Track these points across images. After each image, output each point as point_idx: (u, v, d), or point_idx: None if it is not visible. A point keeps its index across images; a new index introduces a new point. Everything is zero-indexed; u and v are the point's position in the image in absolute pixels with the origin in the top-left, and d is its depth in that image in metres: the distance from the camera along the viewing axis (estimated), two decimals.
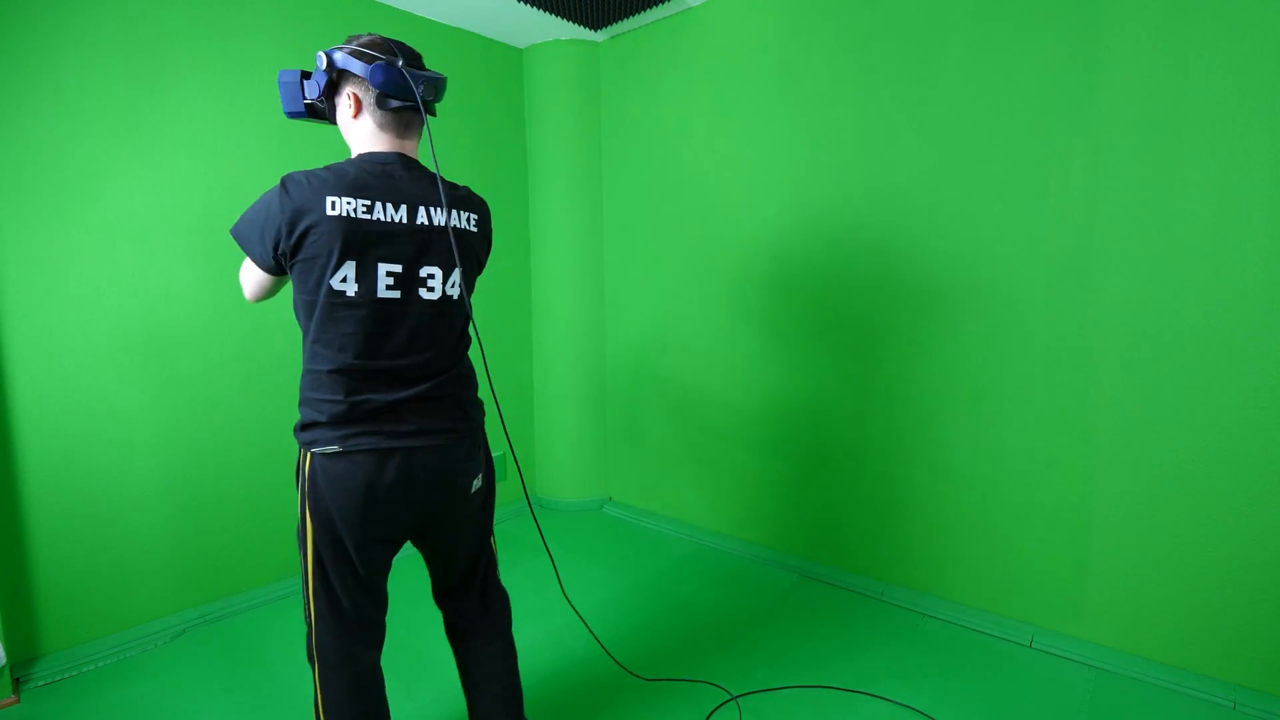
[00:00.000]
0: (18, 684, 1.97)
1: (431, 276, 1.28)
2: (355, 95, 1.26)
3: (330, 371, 1.21)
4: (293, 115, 1.34)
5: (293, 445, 2.57)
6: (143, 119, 2.16)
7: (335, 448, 1.21)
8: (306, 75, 1.31)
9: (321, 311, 1.20)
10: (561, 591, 2.19)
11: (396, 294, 1.24)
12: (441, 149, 2.98)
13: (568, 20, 2.97)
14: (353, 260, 1.19)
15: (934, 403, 2.35)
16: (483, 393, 1.47)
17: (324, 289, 1.19)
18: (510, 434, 3.40)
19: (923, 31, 2.26)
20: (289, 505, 2.57)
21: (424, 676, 2.02)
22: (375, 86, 1.22)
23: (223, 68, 2.32)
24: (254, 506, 2.49)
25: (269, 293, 1.34)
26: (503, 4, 2.76)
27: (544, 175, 3.32)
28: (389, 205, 1.22)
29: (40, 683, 2.00)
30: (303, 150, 2.53)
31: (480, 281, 3.18)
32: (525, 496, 2.02)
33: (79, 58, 2.03)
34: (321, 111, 1.33)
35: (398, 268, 1.24)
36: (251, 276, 1.29)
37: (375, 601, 1.34)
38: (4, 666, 1.88)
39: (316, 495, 1.23)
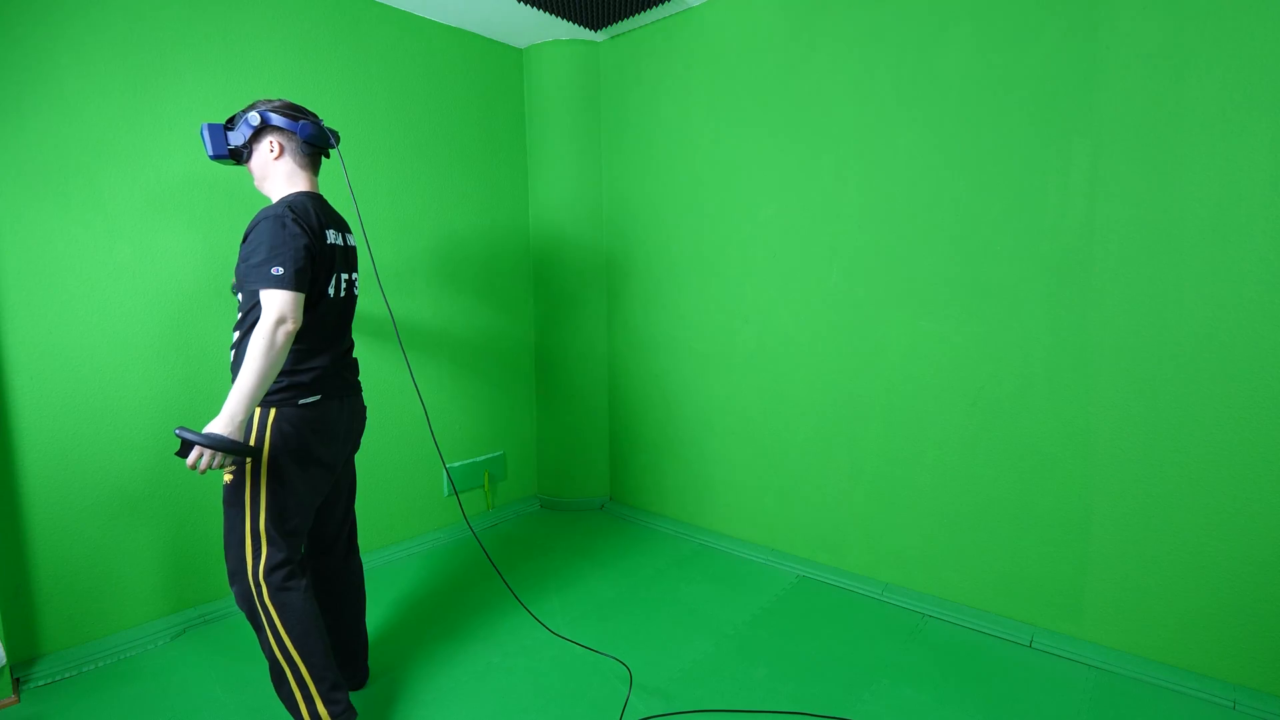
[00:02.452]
0: (18, 684, 1.97)
1: (356, 278, 1.83)
2: (279, 141, 1.69)
3: (313, 349, 1.67)
4: (217, 157, 1.72)
5: None
6: (143, 120, 2.16)
7: (317, 397, 1.67)
8: (230, 126, 1.70)
9: (317, 311, 1.66)
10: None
11: (343, 293, 1.75)
12: (442, 149, 2.99)
13: (568, 20, 2.97)
14: (334, 274, 1.70)
15: (933, 404, 2.35)
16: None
17: (324, 296, 1.67)
18: (512, 433, 3.41)
19: (923, 31, 2.26)
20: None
21: None
22: (303, 138, 1.69)
23: (223, 68, 2.32)
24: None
25: None
26: (503, 4, 2.76)
27: (544, 175, 3.32)
28: (340, 233, 1.74)
29: (40, 683, 2.00)
30: None
31: (480, 281, 3.20)
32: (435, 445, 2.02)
33: (79, 58, 2.03)
34: (239, 154, 1.72)
35: (346, 276, 1.76)
36: (299, 306, 1.55)
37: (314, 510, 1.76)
38: (4, 666, 1.88)
39: (289, 435, 1.62)
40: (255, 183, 1.76)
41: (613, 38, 3.19)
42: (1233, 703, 1.83)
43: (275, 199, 1.73)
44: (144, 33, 2.15)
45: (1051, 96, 2.03)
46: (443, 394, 3.07)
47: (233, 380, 1.67)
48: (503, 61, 3.21)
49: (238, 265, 1.65)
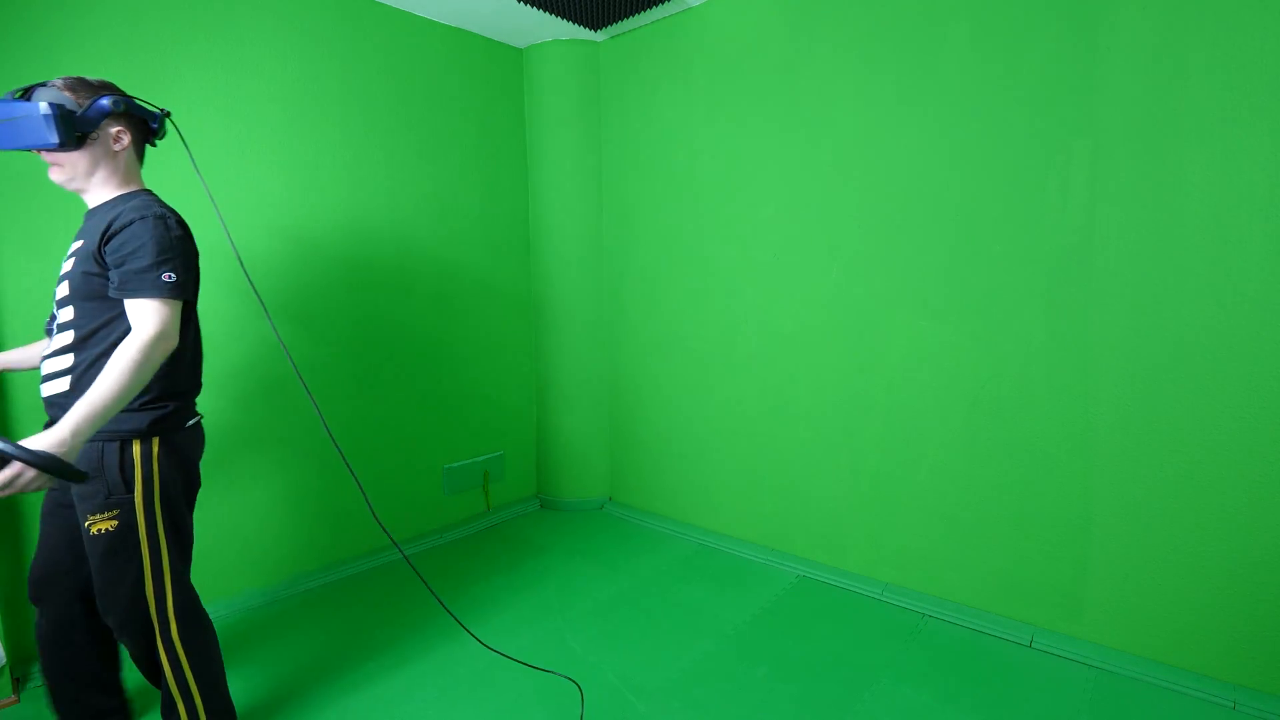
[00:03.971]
0: (18, 684, 1.97)
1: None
2: (127, 131, 1.47)
3: (196, 361, 1.56)
4: (59, 146, 1.34)
5: (290, 443, 2.56)
6: None
7: (199, 416, 1.57)
8: (65, 111, 1.34)
9: (195, 320, 1.54)
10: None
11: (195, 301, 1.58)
12: (442, 149, 2.99)
13: (568, 20, 2.97)
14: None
15: (933, 404, 2.35)
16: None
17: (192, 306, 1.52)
18: (512, 433, 3.41)
19: (923, 32, 2.26)
20: (285, 507, 2.58)
21: None
22: (154, 126, 1.52)
23: (222, 69, 2.32)
24: (247, 508, 2.49)
25: None
26: (503, 4, 2.76)
27: (544, 175, 3.32)
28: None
29: (40, 683, 1.99)
30: (301, 149, 2.53)
31: (482, 282, 3.19)
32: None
33: (79, 59, 2.03)
34: (71, 141, 1.37)
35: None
36: (179, 320, 1.40)
37: None
38: (4, 666, 1.88)
39: (173, 465, 1.47)
40: (65, 176, 1.43)
41: (613, 37, 3.19)
42: (1233, 703, 1.83)
43: (105, 199, 1.47)
44: (144, 33, 2.15)
45: (1051, 96, 2.03)
46: (442, 393, 3.07)
47: (52, 415, 1.43)
48: (503, 61, 3.21)
49: (90, 272, 1.39)
